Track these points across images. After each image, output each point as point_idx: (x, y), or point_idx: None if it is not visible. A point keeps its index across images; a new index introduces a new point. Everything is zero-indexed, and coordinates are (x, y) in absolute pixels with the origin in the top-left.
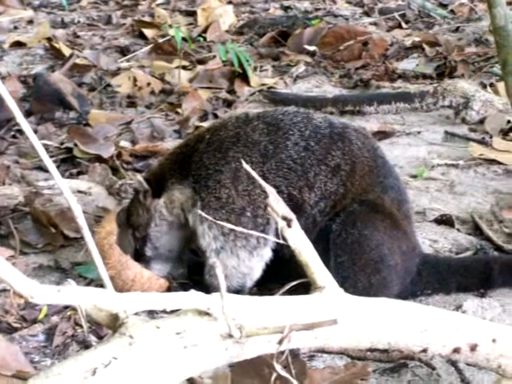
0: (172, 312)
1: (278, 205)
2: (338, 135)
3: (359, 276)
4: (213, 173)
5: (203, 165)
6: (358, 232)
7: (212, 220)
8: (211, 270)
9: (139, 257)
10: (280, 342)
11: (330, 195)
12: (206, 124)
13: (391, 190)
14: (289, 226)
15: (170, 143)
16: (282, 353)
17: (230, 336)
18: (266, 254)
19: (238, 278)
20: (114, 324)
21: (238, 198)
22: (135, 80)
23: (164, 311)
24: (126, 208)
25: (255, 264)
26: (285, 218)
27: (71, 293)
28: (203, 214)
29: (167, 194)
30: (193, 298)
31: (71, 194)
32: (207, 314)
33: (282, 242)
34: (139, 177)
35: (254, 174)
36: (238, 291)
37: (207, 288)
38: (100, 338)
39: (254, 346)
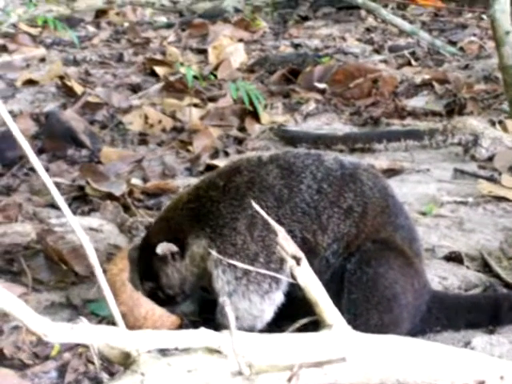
0: (183, 349)
1: (287, 243)
2: (350, 176)
3: (372, 314)
4: (229, 221)
5: (220, 214)
6: (374, 270)
7: (223, 259)
8: (223, 310)
9: (168, 303)
10: (289, 380)
11: (342, 237)
12: (217, 162)
13: (402, 228)
14: (298, 264)
15: (181, 181)
16: None
17: (240, 373)
18: (278, 298)
19: (248, 320)
20: (126, 361)
21: (252, 243)
22: (146, 117)
23: (175, 348)
24: (147, 269)
25: (266, 308)
26: (294, 257)
27: (84, 331)
28: (219, 256)
29: (188, 252)
30: (203, 335)
31: (83, 232)
32: (218, 351)
33: (291, 280)
34: (165, 243)
35: (263, 213)
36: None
37: (218, 327)
38: (111, 374)
39: (264, 383)
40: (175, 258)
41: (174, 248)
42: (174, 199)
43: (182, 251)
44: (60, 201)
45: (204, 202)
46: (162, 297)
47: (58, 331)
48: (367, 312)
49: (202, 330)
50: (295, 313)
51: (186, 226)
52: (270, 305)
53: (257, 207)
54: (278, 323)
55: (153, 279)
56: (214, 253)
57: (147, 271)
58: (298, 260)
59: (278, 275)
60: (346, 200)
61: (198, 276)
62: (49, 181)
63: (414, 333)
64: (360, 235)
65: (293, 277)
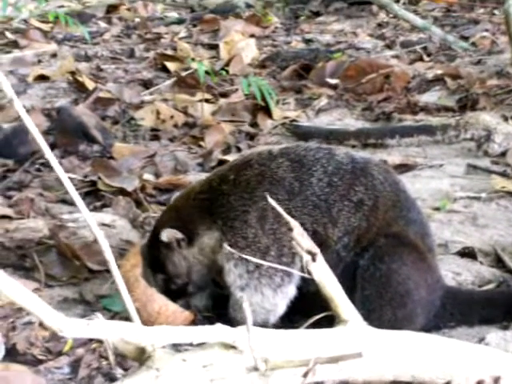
0: (198, 345)
1: (302, 239)
2: (361, 170)
3: (385, 309)
4: (240, 214)
5: (232, 207)
6: (387, 266)
7: (235, 252)
8: (235, 304)
9: (179, 296)
10: (305, 375)
11: (353, 230)
12: (229, 157)
13: (414, 223)
14: (313, 259)
15: (193, 176)
16: None
17: (256, 369)
18: (291, 291)
19: (261, 314)
20: (141, 357)
21: (263, 237)
22: (158, 113)
23: (190, 344)
24: (155, 259)
25: (279, 301)
26: (309, 252)
27: (100, 326)
28: (231, 250)
29: (198, 241)
30: (219, 331)
31: (98, 227)
32: (233, 347)
33: (306, 275)
34: (170, 229)
35: (278, 208)
36: (262, 327)
37: (231, 322)
38: (125, 370)
39: (280, 378)
40: (181, 244)
41: (179, 234)
42: (184, 190)
43: (191, 239)
44: (75, 196)
45: (216, 194)
46: (173, 287)
47: (74, 326)
48: (381, 308)
49: (218, 325)
50: (308, 307)
51: (197, 216)
52: (282, 298)
53: (271, 201)
54: (291, 317)
55: (160, 267)
56: (227, 247)
57: (155, 259)
58: (313, 255)
59: (290, 269)
60: (357, 193)
61: (206, 266)
62: (64, 176)
63: (427, 328)
64: (371, 229)
65: (307, 272)
